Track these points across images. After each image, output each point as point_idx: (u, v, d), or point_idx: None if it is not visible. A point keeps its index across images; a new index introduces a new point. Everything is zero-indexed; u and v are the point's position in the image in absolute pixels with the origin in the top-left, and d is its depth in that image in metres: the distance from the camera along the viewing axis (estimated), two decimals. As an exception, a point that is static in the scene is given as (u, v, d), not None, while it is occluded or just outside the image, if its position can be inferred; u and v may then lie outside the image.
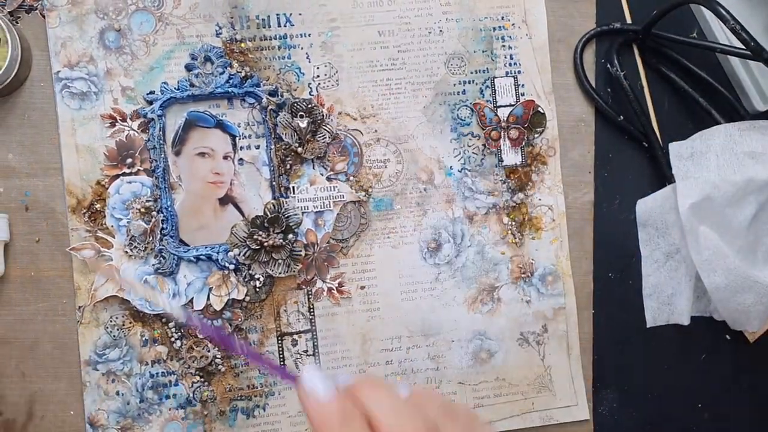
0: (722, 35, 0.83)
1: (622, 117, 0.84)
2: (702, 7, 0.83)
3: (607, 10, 0.85)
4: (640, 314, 0.85)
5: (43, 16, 0.77)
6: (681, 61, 0.85)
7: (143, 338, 0.78)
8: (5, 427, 0.77)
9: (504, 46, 0.83)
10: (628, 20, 0.85)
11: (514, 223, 0.83)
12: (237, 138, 0.79)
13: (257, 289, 0.78)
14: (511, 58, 0.83)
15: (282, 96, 0.79)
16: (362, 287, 0.81)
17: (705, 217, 0.79)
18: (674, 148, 0.82)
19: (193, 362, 0.78)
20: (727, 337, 0.86)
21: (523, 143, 0.82)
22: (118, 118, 0.77)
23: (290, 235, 0.78)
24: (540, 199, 0.83)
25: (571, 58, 0.84)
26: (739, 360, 0.86)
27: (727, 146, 0.80)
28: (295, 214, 0.78)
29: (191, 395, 0.78)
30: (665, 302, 0.84)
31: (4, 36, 0.72)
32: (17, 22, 0.77)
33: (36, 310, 0.77)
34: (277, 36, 0.80)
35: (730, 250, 0.79)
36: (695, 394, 0.86)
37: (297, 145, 0.79)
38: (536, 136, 0.83)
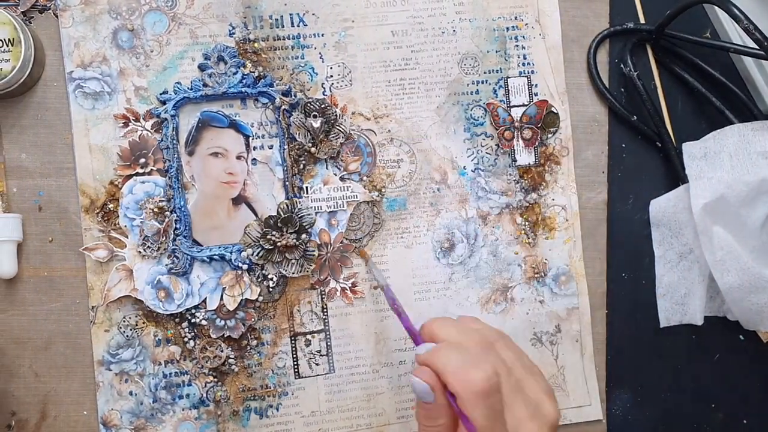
0: (735, 35, 0.83)
1: (635, 117, 0.84)
2: (715, 7, 0.83)
3: (620, 10, 0.85)
4: (654, 314, 0.85)
5: (56, 16, 0.77)
6: (694, 61, 0.85)
7: (156, 338, 0.78)
8: (19, 427, 0.77)
9: (517, 46, 0.83)
10: (642, 20, 0.85)
11: (527, 223, 0.83)
12: (250, 138, 0.79)
13: (270, 289, 0.78)
14: (525, 58, 0.83)
15: (295, 96, 0.79)
16: (375, 287, 0.81)
17: (718, 217, 0.79)
18: (687, 148, 0.82)
19: (207, 362, 0.78)
20: (741, 337, 0.86)
21: (537, 143, 0.82)
22: (131, 118, 0.77)
23: (303, 235, 0.78)
24: (553, 199, 0.83)
25: (584, 58, 0.84)
26: (753, 360, 0.86)
27: (741, 146, 0.80)
28: (309, 214, 0.78)
29: (204, 395, 0.78)
30: (679, 302, 0.84)
31: (17, 36, 0.72)
32: (30, 22, 0.77)
33: (49, 310, 0.77)
34: (291, 36, 0.80)
35: (743, 250, 0.79)
36: (709, 394, 0.86)
37: (310, 145, 0.79)
38: (549, 136, 0.83)
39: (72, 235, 0.77)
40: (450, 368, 0.62)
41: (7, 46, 0.72)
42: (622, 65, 0.84)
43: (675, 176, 0.84)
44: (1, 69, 0.72)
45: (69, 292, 0.77)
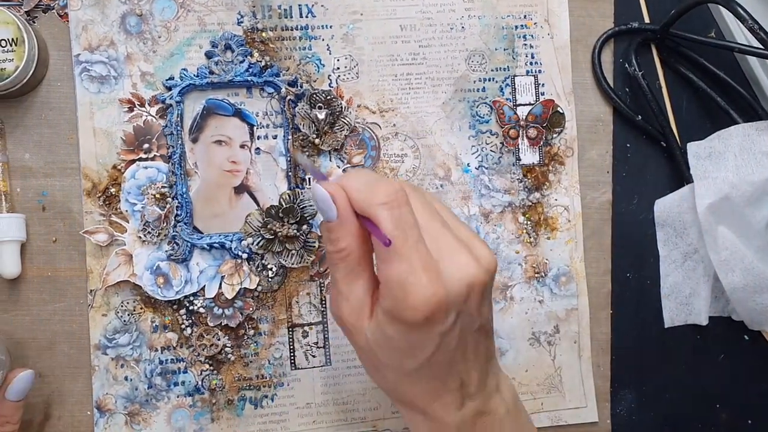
0: (740, 35, 0.83)
1: (640, 117, 0.84)
2: (720, 7, 0.83)
3: (625, 9, 0.85)
4: (659, 314, 0.85)
5: (60, 16, 0.77)
6: (699, 61, 0.85)
7: (154, 324, 0.77)
8: (22, 427, 0.76)
9: (525, 44, 0.83)
10: (646, 20, 0.85)
11: (529, 222, 0.82)
12: (255, 127, 0.79)
13: (270, 279, 0.78)
14: (532, 57, 0.83)
15: (301, 87, 0.79)
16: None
17: (723, 217, 0.79)
18: (692, 147, 0.82)
19: (203, 350, 0.77)
20: (746, 337, 0.86)
21: (542, 143, 0.82)
22: (136, 103, 0.77)
23: (304, 226, 0.77)
24: (556, 200, 0.83)
25: (589, 58, 0.84)
26: (758, 360, 0.86)
27: (746, 146, 0.80)
28: (310, 206, 0.78)
29: (200, 383, 0.78)
30: (683, 302, 0.84)
31: (20, 35, 0.72)
32: (34, 22, 0.77)
33: (53, 311, 0.77)
34: (299, 27, 0.80)
35: (748, 250, 0.79)
36: (713, 394, 0.86)
37: (315, 136, 0.79)
38: (555, 136, 0.83)
39: (75, 235, 0.77)
40: (354, 183, 0.56)
41: (11, 45, 0.72)
42: (626, 65, 0.84)
43: (680, 176, 0.84)
44: (5, 69, 0.72)
45: (73, 292, 0.77)
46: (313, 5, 0.80)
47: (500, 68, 0.83)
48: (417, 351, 0.56)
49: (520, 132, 0.82)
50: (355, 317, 0.58)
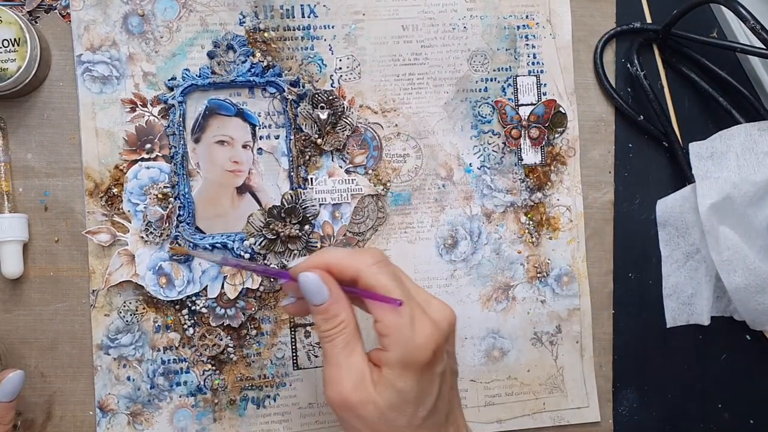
0: (742, 35, 0.84)
1: (642, 117, 0.84)
2: (722, 7, 0.83)
3: (627, 9, 0.85)
4: (660, 314, 0.85)
5: (63, 16, 0.77)
6: (701, 61, 0.85)
7: (156, 324, 0.77)
8: (25, 427, 0.77)
9: (527, 45, 0.83)
10: (648, 20, 0.86)
11: (531, 222, 0.83)
12: (257, 127, 0.79)
13: (272, 280, 0.78)
14: (534, 57, 0.83)
15: (303, 87, 0.79)
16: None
17: (725, 217, 0.79)
18: (694, 147, 0.82)
19: (205, 350, 0.77)
20: (747, 337, 0.86)
21: (544, 143, 0.82)
22: (138, 103, 0.77)
23: (307, 227, 0.78)
24: (558, 200, 0.83)
25: (591, 58, 0.84)
26: (760, 360, 0.86)
27: (747, 146, 0.80)
28: (313, 206, 0.78)
29: (202, 383, 0.78)
30: (685, 302, 0.84)
31: (23, 36, 0.72)
32: (36, 22, 0.77)
33: (55, 310, 0.77)
34: (301, 27, 0.80)
35: (750, 250, 0.79)
36: (715, 394, 0.86)
37: (317, 136, 0.79)
38: (557, 135, 0.83)
39: (78, 235, 0.77)
40: (339, 254, 0.60)
41: (13, 45, 0.72)
42: (628, 65, 0.84)
43: (682, 176, 0.84)
44: (7, 69, 0.72)
45: (75, 292, 0.77)
46: (315, 5, 0.80)
47: (502, 68, 0.83)
48: (426, 396, 0.58)
49: (522, 132, 0.82)
50: (361, 390, 0.58)
